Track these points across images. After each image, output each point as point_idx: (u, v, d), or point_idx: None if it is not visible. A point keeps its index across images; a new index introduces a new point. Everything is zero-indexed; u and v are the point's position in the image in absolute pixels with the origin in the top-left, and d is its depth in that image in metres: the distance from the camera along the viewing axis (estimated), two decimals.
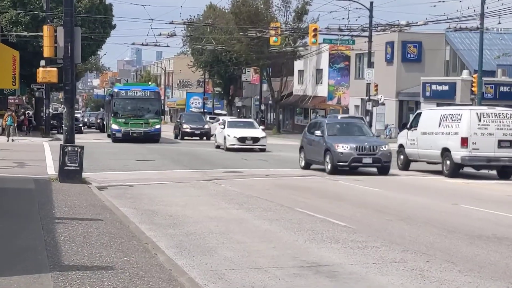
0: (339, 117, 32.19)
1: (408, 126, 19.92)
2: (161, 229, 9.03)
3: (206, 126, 37.09)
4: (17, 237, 7.48)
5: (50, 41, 15.02)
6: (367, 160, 17.04)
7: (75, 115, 22.36)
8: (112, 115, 31.60)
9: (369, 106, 34.68)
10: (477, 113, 16.55)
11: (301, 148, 19.44)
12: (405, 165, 18.94)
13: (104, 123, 41.89)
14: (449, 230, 9.13)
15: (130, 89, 33.38)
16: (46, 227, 8.09)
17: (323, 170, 17.65)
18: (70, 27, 14.04)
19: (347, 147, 16.77)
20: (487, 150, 16.17)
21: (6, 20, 36.25)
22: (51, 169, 16.73)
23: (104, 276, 5.33)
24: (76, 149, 13.91)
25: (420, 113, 20.12)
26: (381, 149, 17.13)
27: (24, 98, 47.96)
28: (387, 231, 8.98)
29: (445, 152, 16.71)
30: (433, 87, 34.41)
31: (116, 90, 34.39)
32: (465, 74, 32.95)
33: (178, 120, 40.15)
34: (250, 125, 28.72)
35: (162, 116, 39.04)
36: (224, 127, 27.61)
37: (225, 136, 26.34)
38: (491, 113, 16.63)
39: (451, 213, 11.08)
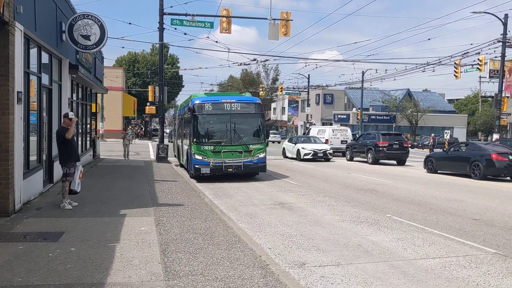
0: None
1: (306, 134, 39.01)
2: (206, 185, 15.87)
3: (325, 147, 30.09)
4: (136, 188, 13.73)
5: (152, 93, 29.72)
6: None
7: (165, 129, 33.66)
8: (194, 140, 17.47)
9: (308, 125, 55.40)
10: (332, 129, 35.10)
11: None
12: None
13: (174, 143, 28.46)
14: (347, 186, 16.44)
15: (219, 100, 18.04)
16: (150, 184, 14.72)
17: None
18: (161, 86, 26.50)
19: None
20: (336, 145, 33.47)
21: (130, 83, 68.67)
22: (152, 156, 29.09)
23: (179, 208, 10.90)
24: (164, 146, 24.94)
25: (310, 128, 39.13)
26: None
27: (139, 121, 79.10)
28: (316, 186, 16.07)
29: None
30: (338, 116, 65.07)
31: (197, 102, 17.85)
32: (354, 109, 64.59)
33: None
34: (315, 140, 31.46)
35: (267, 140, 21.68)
36: (295, 143, 30.62)
37: (298, 150, 29.34)
38: (338, 128, 35.40)
39: (348, 178, 19.35)
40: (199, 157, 17.12)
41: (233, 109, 17.49)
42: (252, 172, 18.15)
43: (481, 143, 25.88)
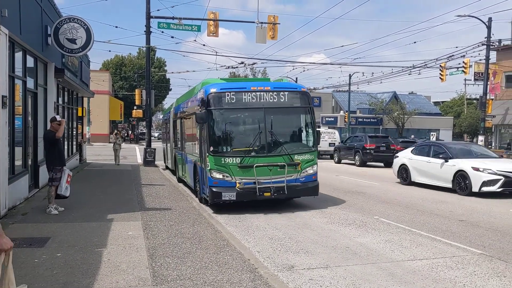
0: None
1: None
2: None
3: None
4: (123, 193, 13.63)
5: (139, 97, 30.62)
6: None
7: (152, 133, 32.55)
8: (210, 149, 11.32)
9: None
10: (320, 131, 34.89)
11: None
12: None
13: (164, 150, 24.35)
14: (335, 188, 16.37)
15: (246, 88, 11.73)
16: (137, 188, 14.62)
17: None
18: (148, 89, 26.04)
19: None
20: (324, 147, 33.14)
21: (117, 86, 68.07)
22: (140, 160, 28.93)
23: (166, 212, 10.83)
24: (151, 149, 24.56)
25: None
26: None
27: (126, 124, 78.87)
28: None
29: None
30: (326, 118, 61.80)
31: (213, 91, 11.55)
32: (341, 112, 60.73)
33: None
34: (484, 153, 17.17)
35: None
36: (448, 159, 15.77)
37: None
38: (326, 131, 35.97)
39: (336, 180, 19.53)
40: (218, 176, 11.19)
41: (268, 100, 11.60)
42: (299, 195, 12.13)
43: (450, 143, 26.48)
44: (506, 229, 9.85)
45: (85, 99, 28.05)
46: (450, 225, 10.18)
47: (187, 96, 16.47)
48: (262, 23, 23.95)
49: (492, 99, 35.12)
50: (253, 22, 24.04)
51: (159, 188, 15.00)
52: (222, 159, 11.25)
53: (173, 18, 23.91)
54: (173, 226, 9.13)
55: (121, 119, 60.81)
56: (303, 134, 12.34)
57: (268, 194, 11.31)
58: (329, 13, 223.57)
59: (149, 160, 24.48)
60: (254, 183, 11.25)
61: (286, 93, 11.91)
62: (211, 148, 11.27)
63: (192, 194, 14.14)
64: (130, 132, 73.53)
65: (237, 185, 11.23)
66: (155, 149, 25.06)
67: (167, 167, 23.35)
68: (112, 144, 26.09)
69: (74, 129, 22.86)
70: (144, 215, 10.31)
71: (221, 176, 11.25)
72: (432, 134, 47.76)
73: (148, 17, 24.69)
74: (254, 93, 11.65)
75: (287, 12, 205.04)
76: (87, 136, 44.18)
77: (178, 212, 10.83)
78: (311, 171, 11.90)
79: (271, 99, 11.68)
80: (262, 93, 11.69)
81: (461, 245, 8.37)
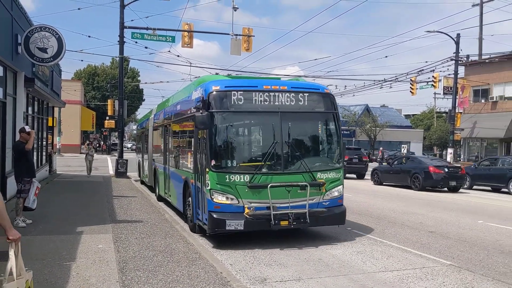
0: None
1: None
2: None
3: None
4: (94, 205, 13.38)
5: (111, 107, 29.20)
6: None
7: (125, 144, 33.32)
8: (212, 163, 8.69)
9: None
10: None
11: None
12: None
13: (140, 163, 22.33)
14: None
15: (258, 86, 9.28)
16: (108, 200, 14.36)
17: None
18: (121, 100, 25.69)
19: None
20: None
21: (89, 96, 67.72)
22: (111, 171, 27.86)
23: (138, 225, 10.66)
24: (123, 160, 24.23)
25: None
26: None
27: (98, 135, 76.64)
28: None
29: None
30: None
31: (216, 89, 9.09)
32: None
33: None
34: None
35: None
36: None
37: None
38: None
39: None
40: (221, 198, 8.73)
41: (285, 103, 9.30)
42: (322, 223, 9.52)
43: (421, 157, 27.23)
44: (474, 240, 10.07)
45: (56, 109, 27.56)
46: (421, 236, 10.34)
47: (175, 98, 13.75)
48: (236, 35, 24.08)
49: (461, 113, 36.06)
50: (228, 34, 24.16)
51: (131, 200, 14.79)
52: (227, 176, 8.70)
53: (147, 28, 23.82)
54: (145, 239, 9.00)
55: (93, 129, 60.04)
56: (327, 147, 10.05)
57: (286, 223, 8.81)
58: (303, 27, 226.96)
59: (121, 171, 24.19)
60: (268, 208, 8.77)
61: (306, 94, 9.53)
62: (213, 162, 8.69)
63: (177, 218, 12.17)
64: (102, 142, 72.61)
65: (246, 210, 8.69)
66: (127, 160, 24.76)
67: (142, 182, 21.10)
68: (85, 155, 25.55)
69: (44, 140, 22.40)
70: (115, 227, 10.13)
71: (224, 199, 8.71)
72: (403, 147, 48.67)
73: (122, 27, 24.51)
74: (267, 94, 9.20)
75: (262, 25, 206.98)
76: (57, 147, 43.35)
77: (150, 224, 10.69)
78: (336, 193, 9.49)
79: (288, 101, 9.33)
80: (277, 94, 9.26)
81: (431, 256, 8.50)
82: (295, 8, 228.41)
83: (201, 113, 8.82)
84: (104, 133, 73.94)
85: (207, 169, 8.74)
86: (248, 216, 8.67)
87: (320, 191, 9.17)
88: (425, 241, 9.88)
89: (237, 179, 8.70)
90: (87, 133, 66.78)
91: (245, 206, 8.70)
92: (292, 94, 9.38)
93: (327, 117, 9.74)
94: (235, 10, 24.71)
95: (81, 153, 49.43)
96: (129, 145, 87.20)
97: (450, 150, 33.56)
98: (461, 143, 39.04)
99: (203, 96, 9.20)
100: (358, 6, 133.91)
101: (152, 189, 17.55)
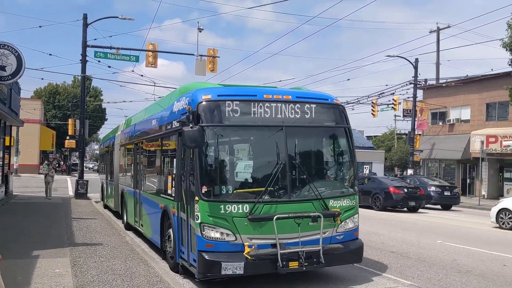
0: None
1: None
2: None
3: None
4: (52, 227, 12.94)
5: (72, 126, 28.61)
6: None
7: (86, 164, 32.86)
8: (202, 190, 7.05)
9: None
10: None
11: None
12: None
13: (103, 185, 20.39)
14: None
15: (258, 95, 7.68)
16: (67, 223, 13.95)
17: None
18: (82, 119, 25.17)
19: None
20: None
21: (50, 115, 65.67)
22: (71, 192, 27.07)
23: (97, 248, 10.35)
24: (84, 181, 23.94)
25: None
26: None
27: (58, 155, 73.59)
28: None
29: None
30: None
31: (207, 98, 7.48)
32: None
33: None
34: None
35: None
36: None
37: None
38: None
39: None
40: (215, 234, 7.08)
41: (289, 116, 7.76)
42: (333, 265, 7.99)
43: (382, 177, 27.78)
44: (434, 260, 10.28)
45: (14, 128, 26.73)
46: (382, 257, 10.48)
47: (150, 111, 11.89)
48: (201, 55, 24.15)
49: (420, 135, 37.15)
50: (193, 55, 24.19)
51: (91, 222, 14.39)
52: (222, 206, 7.05)
53: (110, 47, 23.57)
54: (104, 262, 8.75)
55: (53, 149, 58.39)
56: (339, 168, 8.62)
57: (296, 264, 7.11)
58: (268, 49, 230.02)
59: (81, 192, 23.48)
60: (273, 245, 7.11)
61: (313, 105, 7.95)
62: (204, 189, 7.07)
63: (151, 251, 10.50)
64: (62, 163, 70.75)
65: (246, 249, 6.96)
66: (87, 181, 24.13)
67: (106, 206, 19.17)
68: (44, 176, 24.32)
69: (0, 160, 21.64)
70: (73, 250, 9.83)
71: (219, 235, 7.02)
72: (365, 167, 49.56)
73: (85, 46, 24.18)
74: (268, 104, 7.61)
75: (227, 46, 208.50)
76: (14, 167, 41.96)
77: (109, 247, 10.41)
78: (351, 225, 7.95)
79: (293, 113, 7.74)
80: (280, 105, 7.68)
81: (392, 276, 8.62)
82: (259, 31, 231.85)
83: (191, 127, 7.09)
84: (65, 153, 72.17)
85: (197, 198, 7.08)
86: (249, 257, 6.89)
87: (334, 222, 7.61)
88: (386, 261, 10.01)
89: (234, 209, 7.05)
90: (46, 153, 64.89)
91: (244, 243, 6.98)
92: (298, 105, 7.80)
93: (339, 132, 8.36)
94: (200, 31, 24.85)
95: (39, 173, 47.93)
96: (90, 165, 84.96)
97: (410, 171, 34.39)
98: (421, 164, 40.09)
99: (190, 107, 7.49)
100: (321, 30, 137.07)
101: (118, 214, 15.75)
